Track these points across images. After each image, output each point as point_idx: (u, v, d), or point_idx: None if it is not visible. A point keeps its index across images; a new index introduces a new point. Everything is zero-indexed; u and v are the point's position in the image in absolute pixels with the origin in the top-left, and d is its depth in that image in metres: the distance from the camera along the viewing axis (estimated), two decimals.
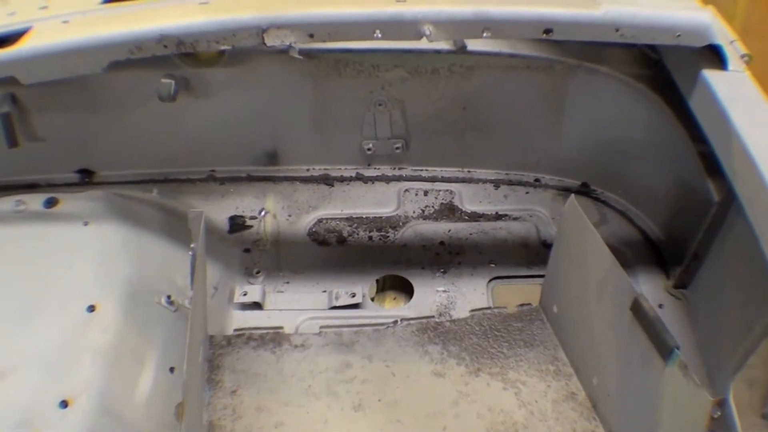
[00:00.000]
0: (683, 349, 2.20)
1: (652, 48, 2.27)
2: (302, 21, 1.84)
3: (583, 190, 2.59)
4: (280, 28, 1.83)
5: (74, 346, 1.83)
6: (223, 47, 1.89)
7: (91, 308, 1.92)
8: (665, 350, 1.69)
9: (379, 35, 1.84)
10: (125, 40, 1.86)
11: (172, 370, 1.95)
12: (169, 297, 2.09)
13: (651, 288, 2.32)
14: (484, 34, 1.85)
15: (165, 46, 1.87)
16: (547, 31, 1.86)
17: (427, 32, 1.83)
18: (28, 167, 2.38)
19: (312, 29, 1.84)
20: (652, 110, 2.28)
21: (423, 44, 2.01)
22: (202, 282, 2.01)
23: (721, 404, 1.60)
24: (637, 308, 1.78)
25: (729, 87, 1.93)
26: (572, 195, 2.07)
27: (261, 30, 1.83)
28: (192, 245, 1.86)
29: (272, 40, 1.85)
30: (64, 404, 1.72)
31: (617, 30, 1.87)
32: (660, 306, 2.28)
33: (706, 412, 1.58)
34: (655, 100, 2.27)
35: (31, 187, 2.37)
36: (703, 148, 2.04)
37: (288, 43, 1.86)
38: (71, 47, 1.90)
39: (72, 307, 1.92)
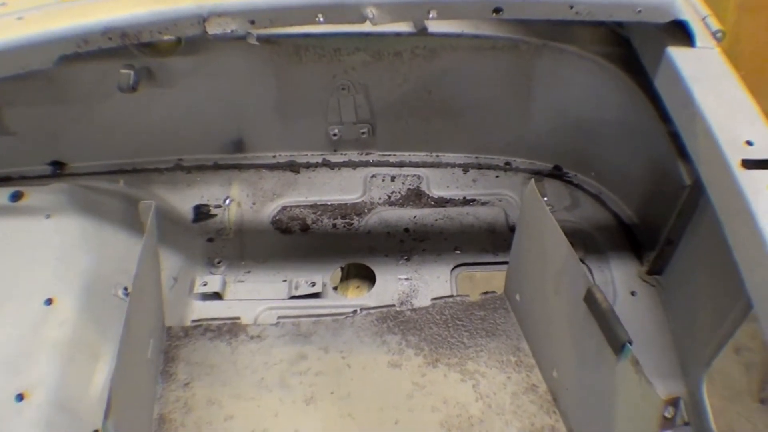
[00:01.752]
0: (655, 336, 2.16)
1: (620, 25, 2.19)
2: (242, 8, 1.79)
3: (556, 173, 2.52)
4: (220, 15, 1.79)
5: (31, 340, 1.83)
6: (166, 37, 1.85)
7: (49, 301, 1.91)
8: (617, 344, 1.63)
9: (322, 20, 1.78)
10: (71, 34, 1.83)
11: None
12: (126, 289, 2.07)
13: (624, 274, 2.26)
14: (431, 15, 1.78)
15: (110, 39, 1.83)
16: (497, 11, 1.78)
17: (371, 15, 1.77)
18: (0, 161, 2.39)
19: (253, 16, 1.79)
20: (623, 90, 2.20)
21: (379, 27, 1.95)
22: (151, 274, 1.98)
23: (675, 403, 1.53)
24: (590, 299, 1.71)
25: (695, 64, 1.83)
26: (532, 180, 2.00)
27: (202, 19, 1.79)
28: (144, 239, 1.85)
29: (214, 29, 1.81)
30: (20, 398, 1.72)
31: (572, 7, 1.79)
32: (633, 293, 2.22)
33: (657, 411, 1.51)
34: (624, 79, 2.18)
35: (4, 180, 2.38)
36: (674, 128, 1.95)
37: (230, 31, 1.82)
38: (20, 43, 1.87)
39: (30, 300, 1.91)
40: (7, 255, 2.01)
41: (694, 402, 1.99)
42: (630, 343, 1.60)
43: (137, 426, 1.83)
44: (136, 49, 2.20)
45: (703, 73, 1.81)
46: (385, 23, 1.86)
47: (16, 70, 1.93)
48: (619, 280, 2.25)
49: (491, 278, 2.31)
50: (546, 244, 1.93)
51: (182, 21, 1.80)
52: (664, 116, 2.01)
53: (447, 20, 2.22)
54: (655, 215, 2.21)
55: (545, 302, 1.98)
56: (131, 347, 1.73)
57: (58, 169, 2.49)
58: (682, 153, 1.96)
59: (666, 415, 1.52)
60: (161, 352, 2.06)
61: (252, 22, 1.80)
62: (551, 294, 1.93)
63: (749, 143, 1.64)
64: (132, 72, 2.21)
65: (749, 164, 1.60)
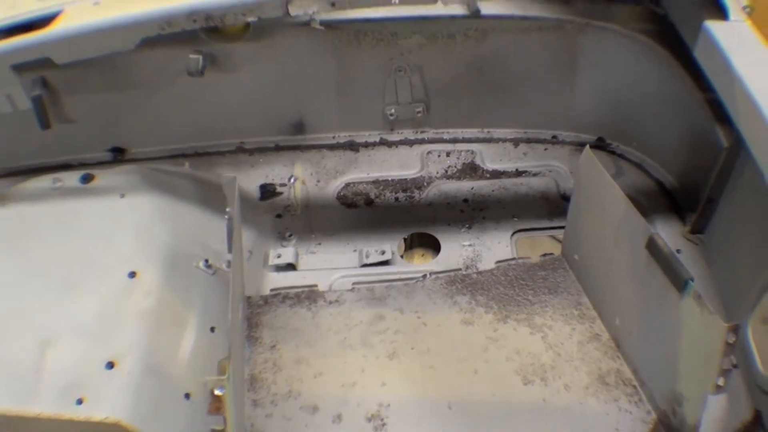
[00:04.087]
0: (701, 290, 2.31)
1: (656, 3, 2.35)
2: None
3: (599, 145, 2.67)
4: None
5: (117, 311, 1.90)
6: (249, 19, 1.98)
7: (132, 274, 1.98)
8: (680, 283, 1.78)
9: (397, 1, 1.93)
10: (156, 17, 1.96)
11: (212, 329, 2.03)
12: (206, 261, 2.17)
13: (668, 234, 2.40)
14: None
15: (194, 21, 1.96)
16: None
17: None
18: (61, 148, 2.49)
19: None
20: (661, 64, 2.36)
21: (438, 10, 2.10)
22: (239, 244, 2.11)
23: (736, 330, 1.67)
24: (652, 246, 1.87)
25: (730, 36, 2.01)
26: (587, 146, 2.15)
27: (285, 0, 1.92)
28: (228, 209, 1.96)
29: (296, 10, 1.94)
30: (110, 365, 1.78)
31: None
32: (678, 251, 2.37)
33: (721, 338, 1.65)
34: (662, 53, 2.34)
35: (64, 168, 2.46)
36: (711, 96, 2.14)
37: (311, 12, 1.96)
38: (104, 26, 2.00)
39: (113, 275, 1.98)
40: (86, 233, 2.09)
41: (741, 347, 2.14)
42: (692, 280, 1.76)
43: (237, 384, 1.96)
44: (205, 35, 2.34)
45: (739, 44, 1.99)
46: (454, 3, 2.02)
47: (97, 52, 2.06)
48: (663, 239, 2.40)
49: (545, 242, 2.47)
50: (604, 203, 2.08)
51: (266, 3, 1.94)
52: (701, 85, 2.18)
53: (497, 2, 2.39)
54: (695, 179, 2.37)
55: (605, 257, 2.13)
56: (237, 309, 1.86)
57: (119, 155, 2.60)
58: (720, 118, 2.13)
59: (729, 340, 1.67)
60: (244, 318, 2.20)
61: (332, 4, 1.95)
62: (611, 248, 2.08)
63: None
64: (201, 57, 2.33)
65: None
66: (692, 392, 1.81)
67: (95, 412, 1.71)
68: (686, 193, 2.47)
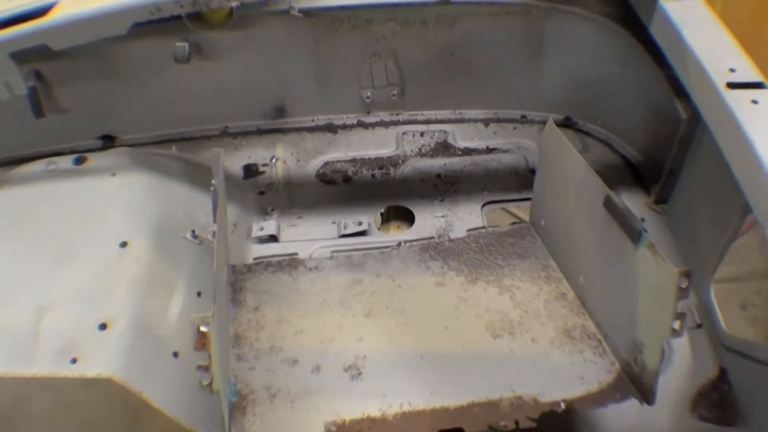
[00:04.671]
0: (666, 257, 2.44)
1: None
2: None
3: (567, 123, 2.81)
4: None
5: (110, 278, 2.01)
6: (233, 4, 2.12)
7: (124, 244, 2.10)
8: (635, 235, 1.90)
9: None
10: (145, 3, 2.10)
11: (199, 294, 2.14)
12: (193, 232, 2.29)
13: (633, 205, 2.54)
14: None
15: (181, 6, 2.11)
16: None
17: None
18: (53, 138, 2.60)
19: None
20: (623, 44, 2.51)
21: None
22: (223, 211, 2.23)
23: (687, 275, 1.78)
24: (608, 203, 2.00)
25: (683, 12, 2.22)
26: (550, 118, 2.29)
27: None
28: (213, 181, 2.08)
29: None
30: (103, 327, 1.89)
31: None
32: (642, 220, 2.50)
33: (674, 283, 1.76)
34: (623, 34, 2.50)
35: (57, 156, 2.54)
36: (668, 72, 2.30)
37: None
38: (97, 13, 2.15)
39: (106, 245, 2.10)
40: (79, 209, 2.21)
41: (705, 307, 2.27)
42: (645, 232, 1.88)
43: (222, 341, 2.06)
44: (190, 23, 2.46)
45: (691, 19, 2.19)
46: None
47: (91, 38, 2.20)
48: None
49: (518, 214, 2.60)
50: (566, 169, 2.21)
51: None
52: (661, 63, 2.33)
53: None
54: (658, 151, 2.51)
55: (568, 220, 2.26)
56: (221, 264, 1.97)
57: (109, 143, 2.70)
58: (678, 92, 2.28)
59: (681, 285, 1.78)
60: (229, 284, 2.31)
61: None
62: (573, 210, 2.20)
63: (732, 70, 2.04)
64: (186, 44, 2.46)
65: (733, 86, 2.00)
66: (651, 339, 1.91)
67: (88, 369, 1.81)
68: (650, 165, 2.61)
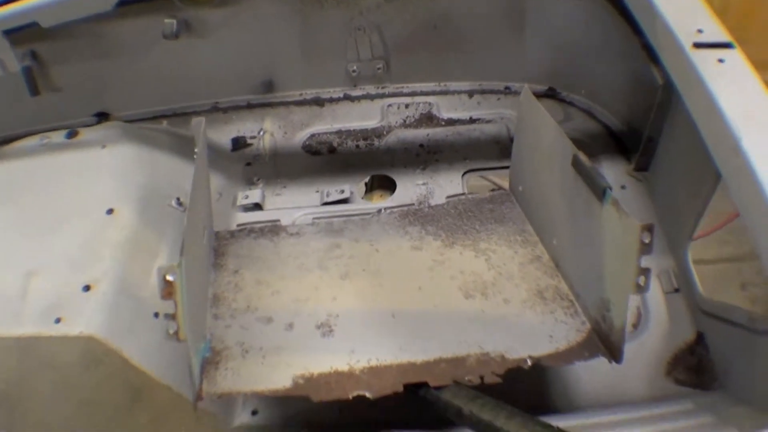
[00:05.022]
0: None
1: None
2: None
3: (550, 94, 2.84)
4: None
5: (95, 243, 2.11)
6: None
7: (110, 211, 2.19)
8: (600, 193, 1.92)
9: None
10: None
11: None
12: (178, 199, 2.37)
13: (614, 172, 2.57)
14: None
15: None
16: None
17: None
18: (50, 115, 2.69)
19: None
20: (602, 14, 2.53)
21: None
22: (205, 180, 2.29)
23: (650, 229, 1.80)
24: (576, 163, 2.02)
25: None
26: (525, 85, 2.31)
27: None
28: (196, 149, 2.15)
29: None
30: (87, 288, 1.98)
31: None
32: (623, 187, 2.52)
33: (637, 237, 1.79)
34: (602, 4, 2.52)
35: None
36: (644, 39, 2.31)
37: None
38: None
39: (93, 212, 2.19)
40: (70, 179, 2.31)
41: (683, 272, 2.28)
42: (610, 189, 1.90)
43: (198, 299, 2.12)
44: (178, 1, 2.54)
45: None
46: None
47: (79, 14, 2.28)
48: (609, 177, 2.55)
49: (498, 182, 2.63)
50: (540, 132, 2.24)
51: None
52: (636, 30, 2.35)
53: None
54: (638, 119, 2.54)
55: (543, 183, 2.28)
56: (195, 220, 2.03)
57: (103, 120, 2.77)
58: (653, 58, 2.30)
59: (644, 240, 1.80)
60: (211, 249, 2.37)
61: None
62: (547, 173, 2.23)
63: (700, 31, 2.05)
64: (174, 21, 2.53)
65: (700, 46, 2.01)
66: (616, 296, 1.92)
67: (71, 328, 1.91)
68: (631, 134, 2.63)
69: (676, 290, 2.30)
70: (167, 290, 1.73)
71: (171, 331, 1.74)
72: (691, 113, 1.98)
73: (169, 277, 1.73)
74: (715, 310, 2.15)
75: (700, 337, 2.24)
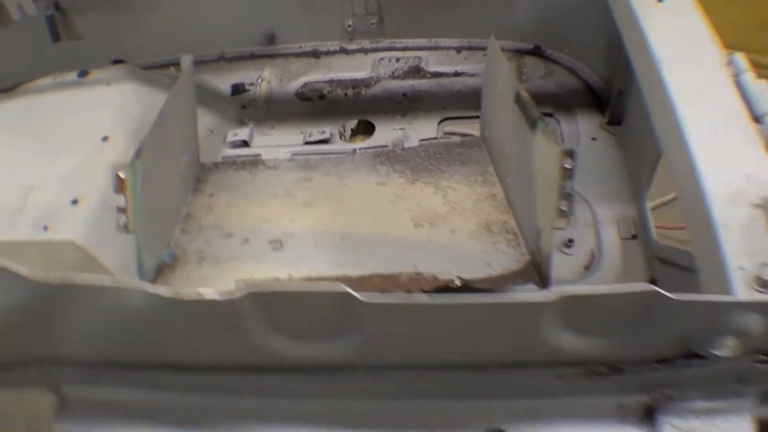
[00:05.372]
0: (613, 174, 2.51)
1: None
2: None
3: (535, 52, 2.91)
4: None
5: (89, 165, 2.28)
6: None
7: (105, 138, 2.37)
8: (533, 122, 2.00)
9: None
10: None
11: None
12: None
13: (587, 125, 2.64)
14: None
15: None
16: None
17: None
18: (69, 63, 2.82)
19: None
20: None
21: None
22: (186, 109, 2.47)
23: (571, 154, 1.86)
24: (517, 98, 2.11)
25: None
26: (492, 36, 2.40)
27: None
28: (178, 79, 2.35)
29: None
30: (75, 202, 2.16)
31: None
32: (593, 138, 2.59)
33: (558, 163, 1.85)
34: None
35: None
36: None
37: None
38: None
39: (90, 138, 2.37)
40: (73, 111, 2.52)
41: (642, 220, 2.33)
42: (541, 119, 1.98)
43: (165, 211, 2.30)
44: None
45: None
46: None
47: None
48: (583, 129, 2.62)
49: (470, 128, 2.73)
50: (499, 78, 2.33)
51: None
52: None
53: None
54: (612, 73, 2.59)
55: (501, 125, 2.36)
56: (161, 133, 2.21)
57: None
58: None
59: (566, 165, 1.87)
60: (194, 178, 2.55)
61: None
62: (502, 115, 2.31)
63: None
64: None
65: None
66: (545, 223, 2.00)
67: (55, 235, 2.10)
68: (608, 89, 2.68)
69: (634, 237, 2.34)
70: (119, 186, 1.92)
71: (121, 223, 1.94)
72: (630, 57, 2.05)
73: (120, 174, 1.92)
74: (668, 255, 2.18)
75: (653, 284, 2.27)
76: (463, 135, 2.65)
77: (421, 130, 2.70)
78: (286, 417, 1.52)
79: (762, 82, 1.84)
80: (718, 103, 1.75)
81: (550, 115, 2.65)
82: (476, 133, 2.64)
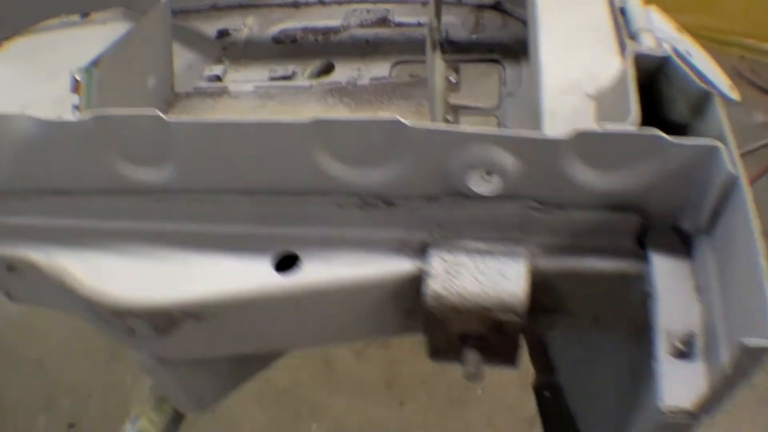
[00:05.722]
0: None
1: None
2: None
3: (496, 7, 3.06)
4: None
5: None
6: None
7: (94, 64, 2.69)
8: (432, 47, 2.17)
9: None
10: None
11: None
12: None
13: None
14: None
15: None
16: None
17: None
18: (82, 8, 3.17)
19: None
20: None
21: None
22: (161, 36, 2.73)
23: (456, 70, 2.03)
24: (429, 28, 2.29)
25: None
26: None
27: None
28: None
29: None
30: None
31: None
32: None
33: (444, 77, 2.03)
34: None
35: None
36: None
37: None
38: None
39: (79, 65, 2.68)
40: (71, 45, 2.83)
41: None
42: (442, 44, 2.15)
43: None
44: None
45: None
46: None
47: None
48: (526, 73, 2.76)
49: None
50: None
51: None
52: None
53: None
54: None
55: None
56: (126, 49, 2.47)
57: None
58: None
59: (450, 79, 2.04)
60: (166, 102, 2.81)
61: None
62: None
63: None
64: None
65: None
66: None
67: None
68: None
69: None
70: (76, 87, 2.19)
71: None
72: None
73: (76, 76, 2.19)
74: None
75: None
76: (412, 76, 2.82)
77: (376, 70, 2.90)
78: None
79: (647, 6, 1.98)
80: (582, 15, 1.89)
81: (497, 61, 2.80)
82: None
